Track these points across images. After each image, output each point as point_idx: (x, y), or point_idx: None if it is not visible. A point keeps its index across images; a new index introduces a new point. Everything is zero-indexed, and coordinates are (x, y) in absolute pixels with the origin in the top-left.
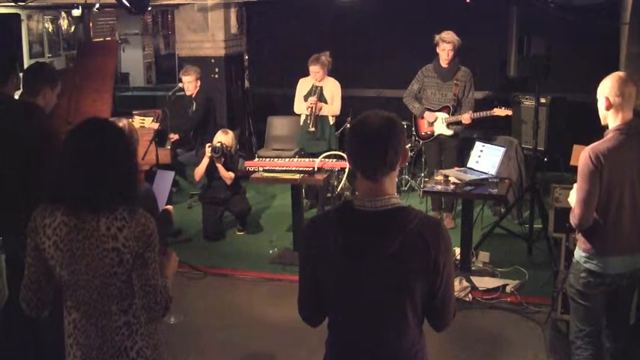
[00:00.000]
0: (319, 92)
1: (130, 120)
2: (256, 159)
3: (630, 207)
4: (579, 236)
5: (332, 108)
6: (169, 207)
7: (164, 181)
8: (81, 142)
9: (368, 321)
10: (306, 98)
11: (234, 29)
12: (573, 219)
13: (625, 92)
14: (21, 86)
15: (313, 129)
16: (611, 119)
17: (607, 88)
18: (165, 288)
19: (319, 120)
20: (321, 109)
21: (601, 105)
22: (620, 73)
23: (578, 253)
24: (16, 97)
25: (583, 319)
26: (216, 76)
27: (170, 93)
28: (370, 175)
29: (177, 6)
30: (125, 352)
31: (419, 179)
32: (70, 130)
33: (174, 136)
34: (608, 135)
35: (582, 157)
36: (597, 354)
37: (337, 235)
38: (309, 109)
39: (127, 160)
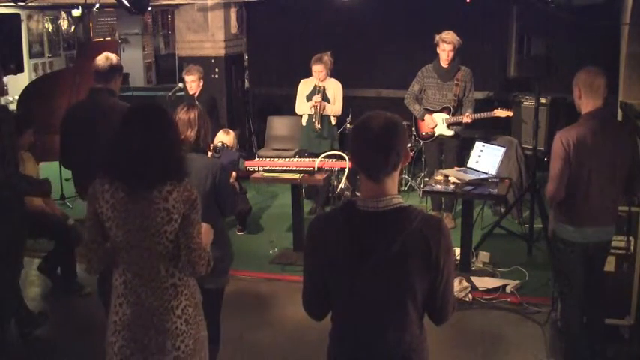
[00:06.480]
0: (322, 91)
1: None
2: (256, 159)
3: (597, 185)
4: (556, 210)
5: (334, 108)
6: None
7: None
8: (132, 128)
9: (371, 317)
10: (308, 98)
11: (234, 29)
12: (547, 193)
13: (594, 83)
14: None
15: (319, 126)
16: (582, 106)
17: (578, 79)
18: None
19: (323, 119)
20: (324, 108)
21: (575, 94)
22: (590, 67)
23: (555, 224)
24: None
25: (562, 285)
26: (217, 76)
27: (170, 93)
28: (373, 176)
29: (177, 6)
30: (172, 310)
31: (419, 179)
32: (122, 117)
33: None
34: (580, 120)
35: (555, 140)
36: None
37: (341, 235)
38: (314, 107)
39: (174, 143)
